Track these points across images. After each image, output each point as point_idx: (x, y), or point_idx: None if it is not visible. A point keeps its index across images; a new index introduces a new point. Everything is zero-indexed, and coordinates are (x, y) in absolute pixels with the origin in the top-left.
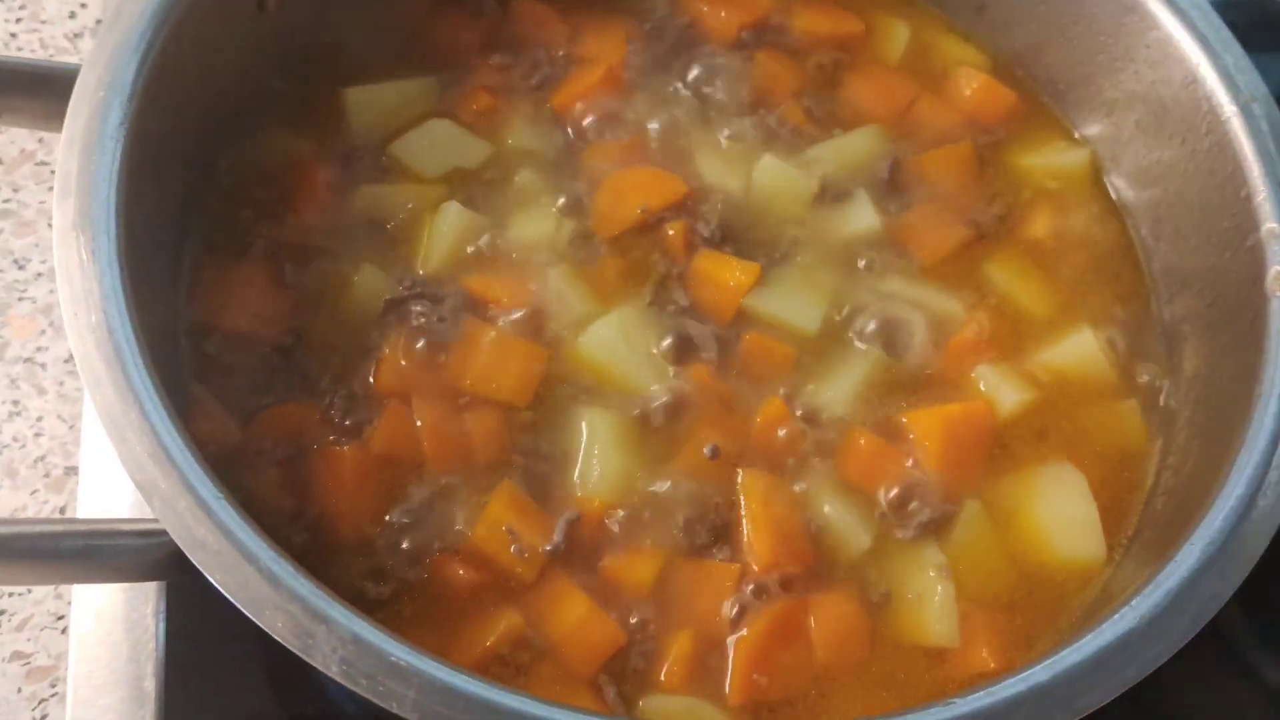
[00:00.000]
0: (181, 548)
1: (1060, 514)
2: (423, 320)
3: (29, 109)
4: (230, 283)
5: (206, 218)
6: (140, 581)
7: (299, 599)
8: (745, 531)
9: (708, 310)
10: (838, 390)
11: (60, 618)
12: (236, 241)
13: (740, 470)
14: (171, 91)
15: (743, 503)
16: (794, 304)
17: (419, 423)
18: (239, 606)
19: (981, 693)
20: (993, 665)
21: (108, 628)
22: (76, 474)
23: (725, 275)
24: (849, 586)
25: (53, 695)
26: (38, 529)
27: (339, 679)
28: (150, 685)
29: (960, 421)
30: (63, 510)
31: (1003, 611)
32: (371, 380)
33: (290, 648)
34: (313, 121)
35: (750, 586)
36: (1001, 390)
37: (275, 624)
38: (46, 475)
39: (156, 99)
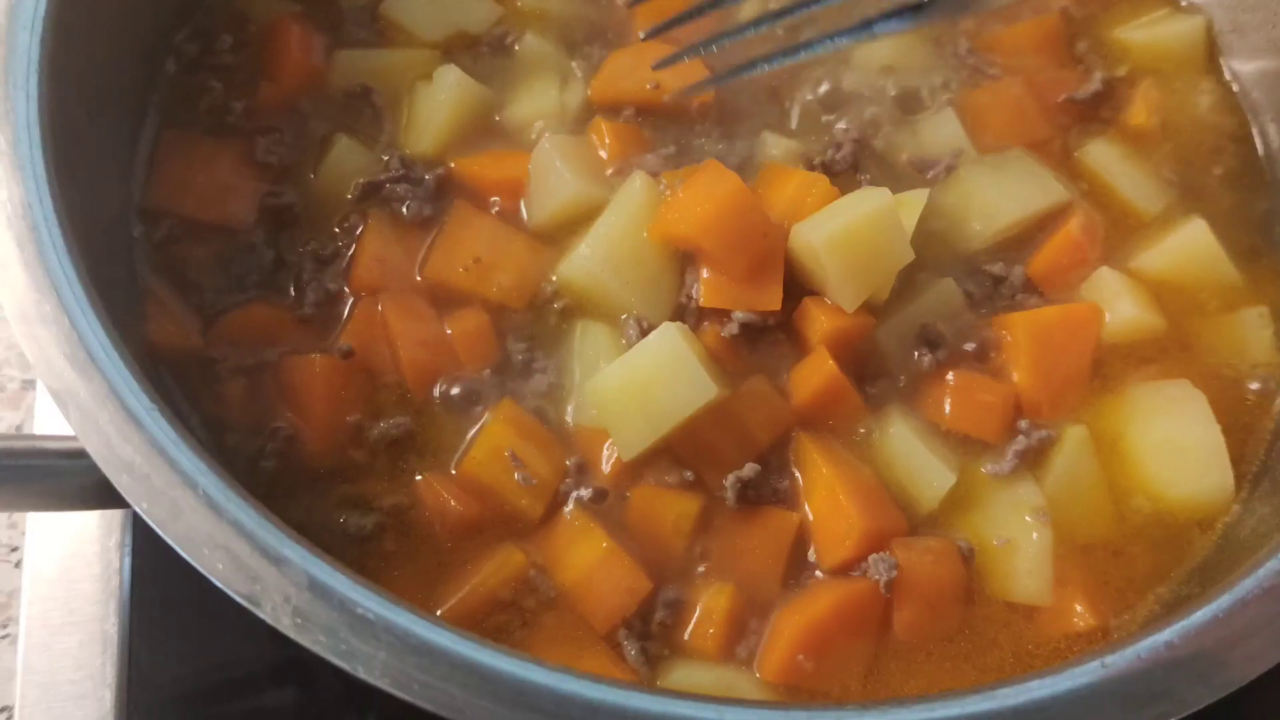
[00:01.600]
0: (102, 469)
1: (1177, 439)
2: (405, 206)
3: None
4: (194, 162)
5: (168, 88)
6: (73, 510)
7: (245, 534)
8: (804, 477)
9: None
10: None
11: (14, 549)
12: (203, 116)
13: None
14: None
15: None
16: None
17: (393, 327)
18: (170, 543)
19: (1094, 663)
20: (1092, 622)
21: (67, 563)
22: (34, 388)
23: None
24: (941, 544)
25: (3, 637)
26: None
27: (292, 635)
28: (113, 628)
29: (1059, 327)
30: (19, 429)
31: (1106, 559)
32: (345, 278)
33: (233, 595)
34: None
35: (810, 550)
36: (1106, 293)
37: (215, 565)
38: (1, 390)
39: None
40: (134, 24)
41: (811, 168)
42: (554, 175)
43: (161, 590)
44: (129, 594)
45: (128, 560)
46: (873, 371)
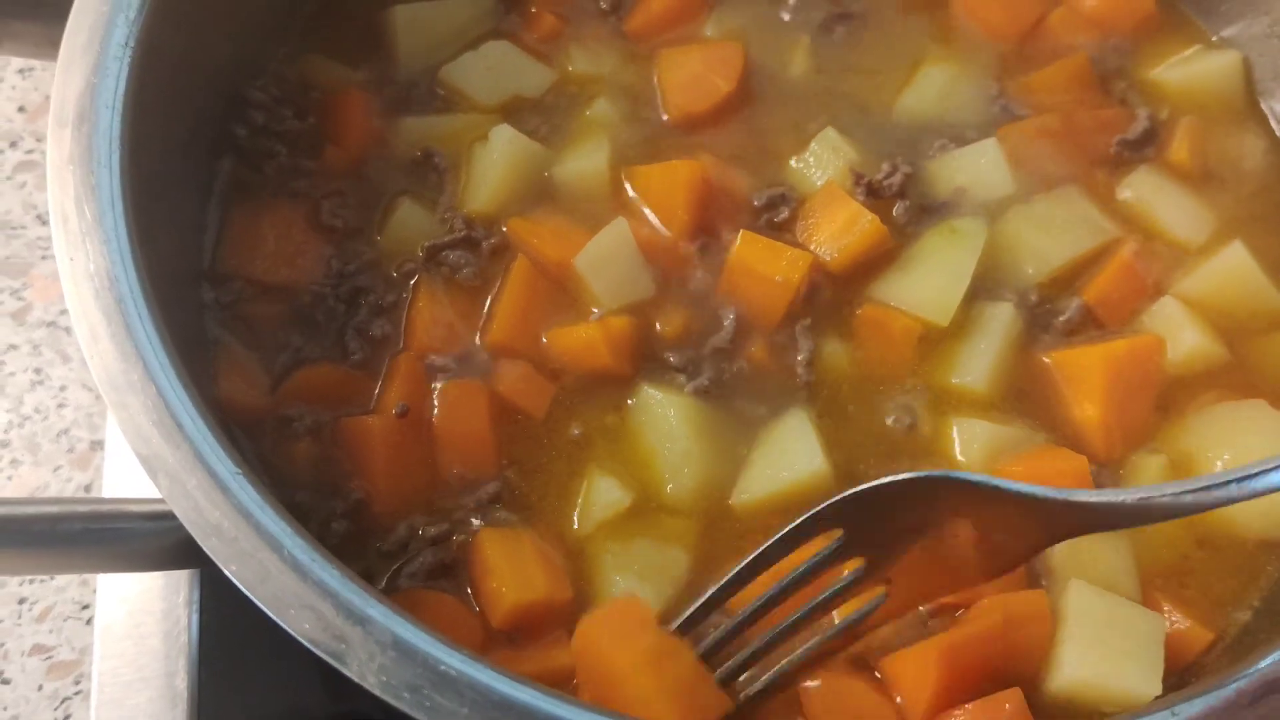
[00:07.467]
0: (191, 533)
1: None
2: (459, 273)
3: (30, 34)
4: (261, 225)
5: (237, 155)
6: (153, 571)
7: (330, 594)
8: None
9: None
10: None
11: (85, 607)
12: (270, 181)
13: None
14: (187, 7)
15: None
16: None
17: (436, 412)
18: (258, 604)
19: None
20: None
21: (136, 619)
22: (103, 448)
23: None
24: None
25: (76, 693)
26: (28, 510)
27: (378, 692)
28: (182, 683)
29: (1127, 360)
30: (88, 489)
31: (1179, 584)
32: (403, 336)
33: (320, 654)
34: (355, 46)
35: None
36: (1171, 323)
37: (302, 625)
38: (70, 450)
39: (169, 15)
40: (206, 96)
41: (859, 183)
42: None
43: (228, 646)
44: (196, 650)
45: (195, 617)
46: None
